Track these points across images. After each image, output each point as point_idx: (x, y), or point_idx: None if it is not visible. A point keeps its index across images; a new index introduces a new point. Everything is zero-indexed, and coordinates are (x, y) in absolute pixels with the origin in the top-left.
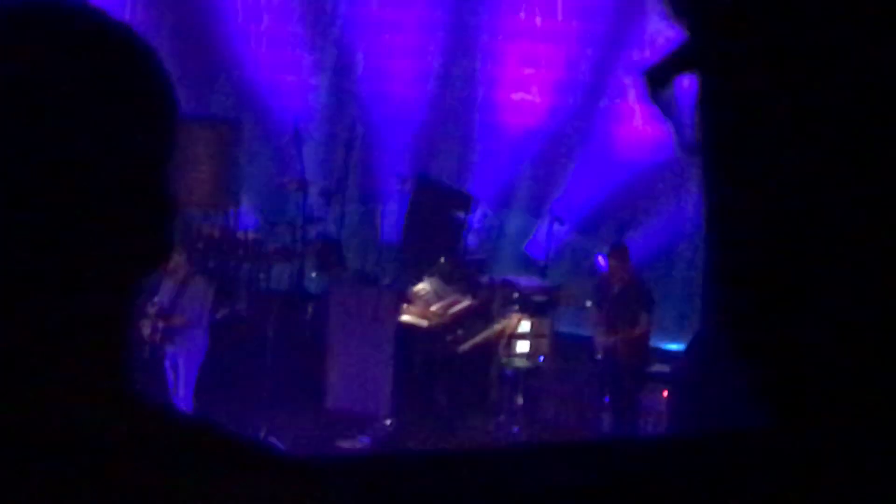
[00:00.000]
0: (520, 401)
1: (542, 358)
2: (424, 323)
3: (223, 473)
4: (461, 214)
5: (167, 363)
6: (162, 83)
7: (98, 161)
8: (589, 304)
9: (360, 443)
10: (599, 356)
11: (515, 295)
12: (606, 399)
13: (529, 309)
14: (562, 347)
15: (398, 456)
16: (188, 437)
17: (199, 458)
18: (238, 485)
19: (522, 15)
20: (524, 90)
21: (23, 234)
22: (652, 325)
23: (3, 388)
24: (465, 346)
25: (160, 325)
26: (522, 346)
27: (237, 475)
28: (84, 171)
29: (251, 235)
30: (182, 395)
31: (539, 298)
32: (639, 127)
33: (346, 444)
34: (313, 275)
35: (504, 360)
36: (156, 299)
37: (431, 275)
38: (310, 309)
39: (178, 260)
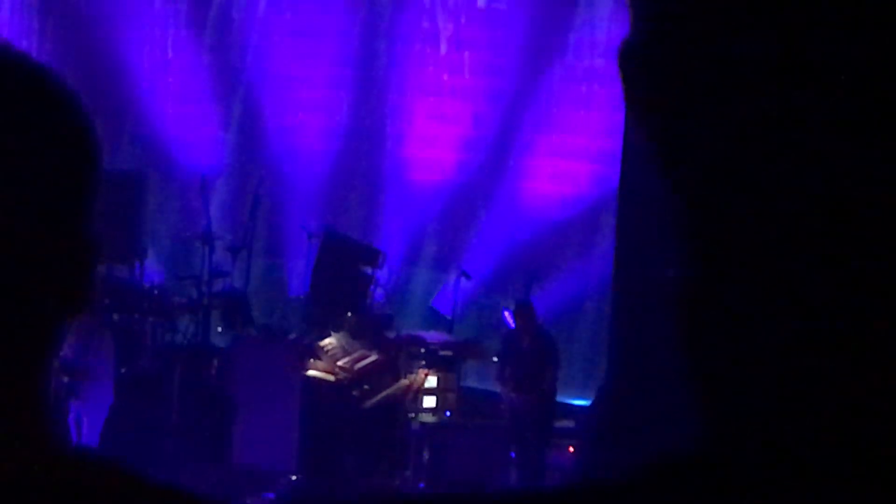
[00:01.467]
0: (426, 456)
1: (448, 413)
2: (331, 378)
3: None
4: (369, 269)
5: (71, 417)
6: (84, 124)
7: (19, 203)
8: (495, 359)
9: (264, 499)
10: (506, 411)
11: (422, 350)
12: (513, 454)
13: (436, 364)
14: (468, 402)
15: None
16: (106, 481)
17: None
18: None
19: (430, 71)
20: (432, 146)
21: None
22: (558, 380)
23: None
24: (372, 402)
25: (65, 378)
26: (429, 402)
27: None
28: (3, 213)
29: (157, 289)
30: None
31: (446, 353)
32: (545, 183)
33: (251, 501)
34: (219, 329)
35: (411, 415)
36: (60, 353)
37: (338, 330)
38: (215, 363)
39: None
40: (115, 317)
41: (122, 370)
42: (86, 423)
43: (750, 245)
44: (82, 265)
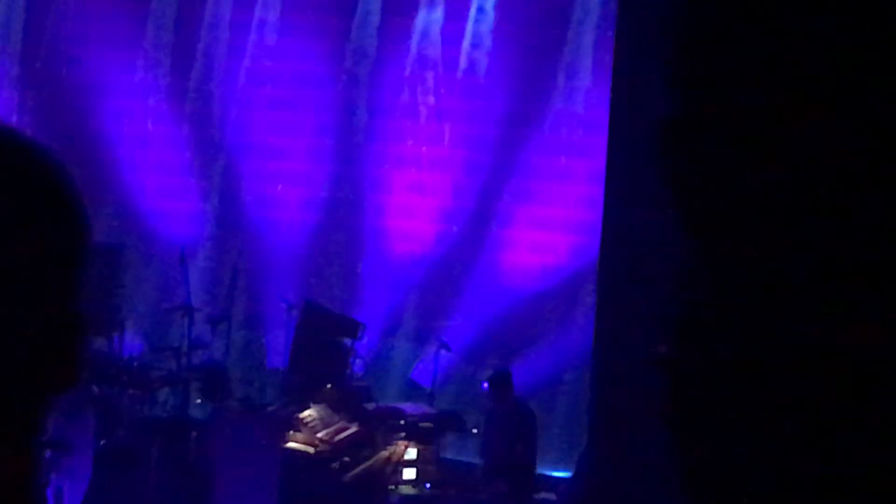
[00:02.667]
0: None
1: (428, 485)
2: (311, 450)
3: None
4: (348, 341)
5: (50, 491)
6: (72, 198)
7: (7, 279)
8: (475, 430)
9: None
10: (484, 483)
11: (402, 422)
12: None
13: (416, 436)
14: (448, 474)
15: None
16: None
17: None
18: None
19: (409, 143)
20: (411, 217)
21: None
22: (536, 451)
23: None
24: (352, 474)
25: (45, 452)
26: (409, 473)
27: None
28: None
29: (136, 361)
30: None
31: (425, 425)
32: (524, 254)
33: None
34: (198, 401)
35: (391, 487)
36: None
37: (318, 401)
38: (194, 435)
39: None
40: (94, 389)
41: (101, 442)
42: (66, 495)
43: (765, 312)
44: (71, 342)
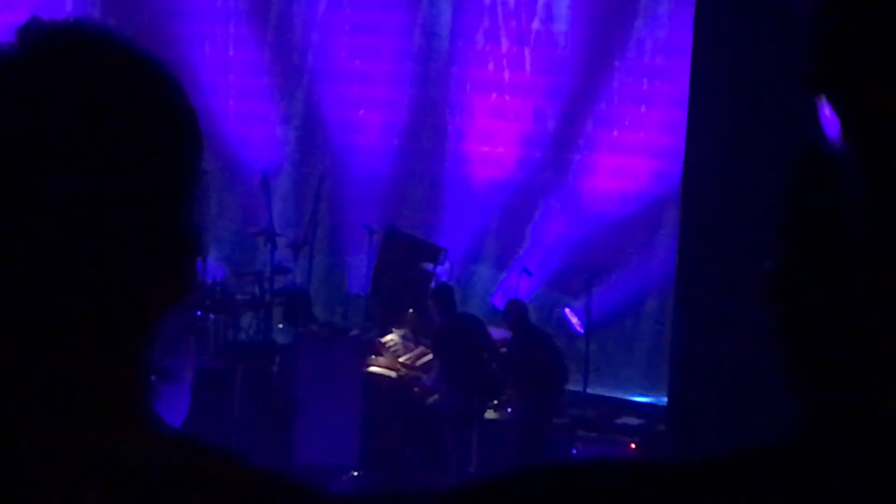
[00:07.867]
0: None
1: (510, 409)
2: (393, 374)
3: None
4: (430, 266)
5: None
6: (187, 116)
7: (120, 193)
8: None
9: None
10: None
11: None
12: (574, 451)
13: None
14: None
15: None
16: (213, 466)
17: (221, 484)
18: None
19: (491, 68)
20: (492, 143)
21: (45, 268)
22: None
23: (34, 423)
24: (433, 398)
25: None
26: None
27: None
28: (106, 203)
29: (219, 286)
30: None
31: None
32: (606, 180)
33: None
34: (280, 326)
35: None
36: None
37: (399, 326)
38: (277, 360)
39: None
40: (180, 314)
41: (194, 368)
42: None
43: None
44: (184, 254)
